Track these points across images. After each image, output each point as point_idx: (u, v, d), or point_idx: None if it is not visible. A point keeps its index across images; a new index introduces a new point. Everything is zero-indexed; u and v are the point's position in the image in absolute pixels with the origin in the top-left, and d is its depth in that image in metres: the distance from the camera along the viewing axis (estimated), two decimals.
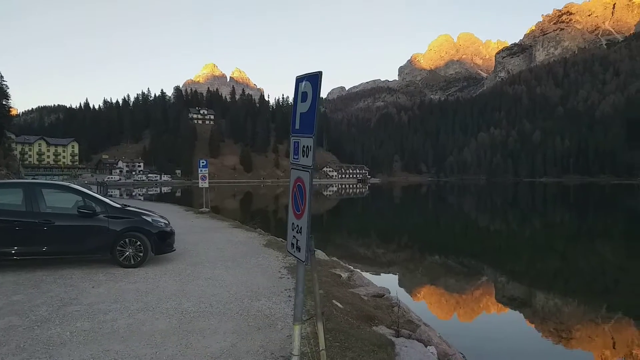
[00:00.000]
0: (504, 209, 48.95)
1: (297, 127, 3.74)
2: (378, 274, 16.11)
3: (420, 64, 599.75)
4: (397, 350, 5.41)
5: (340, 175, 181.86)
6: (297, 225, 3.68)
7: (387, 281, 14.47)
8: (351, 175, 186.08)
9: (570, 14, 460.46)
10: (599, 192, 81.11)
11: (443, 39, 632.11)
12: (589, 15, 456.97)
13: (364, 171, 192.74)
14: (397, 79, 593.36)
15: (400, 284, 15.32)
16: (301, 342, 4.95)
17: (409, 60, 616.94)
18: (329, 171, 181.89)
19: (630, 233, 29.60)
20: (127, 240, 9.14)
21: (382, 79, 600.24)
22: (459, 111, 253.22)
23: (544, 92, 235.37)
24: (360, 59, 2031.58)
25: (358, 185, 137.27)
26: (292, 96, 3.83)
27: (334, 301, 6.96)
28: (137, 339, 5.24)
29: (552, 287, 15.29)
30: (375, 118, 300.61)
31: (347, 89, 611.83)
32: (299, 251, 3.64)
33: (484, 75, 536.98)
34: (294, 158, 3.80)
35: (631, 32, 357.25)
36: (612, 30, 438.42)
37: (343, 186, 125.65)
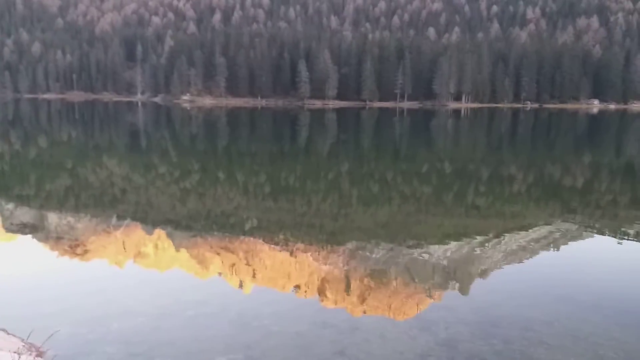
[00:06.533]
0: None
1: None
2: None
3: None
4: None
5: None
6: None
7: None
8: None
9: None
10: (103, 109, 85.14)
11: None
12: None
13: None
14: None
15: None
16: None
17: None
18: None
19: (148, 148, 33.57)
20: None
21: None
22: None
23: (41, 1, 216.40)
24: None
25: None
26: None
27: None
28: None
29: (64, 205, 15.59)
30: None
31: None
32: None
33: None
34: None
35: None
36: None
37: None
